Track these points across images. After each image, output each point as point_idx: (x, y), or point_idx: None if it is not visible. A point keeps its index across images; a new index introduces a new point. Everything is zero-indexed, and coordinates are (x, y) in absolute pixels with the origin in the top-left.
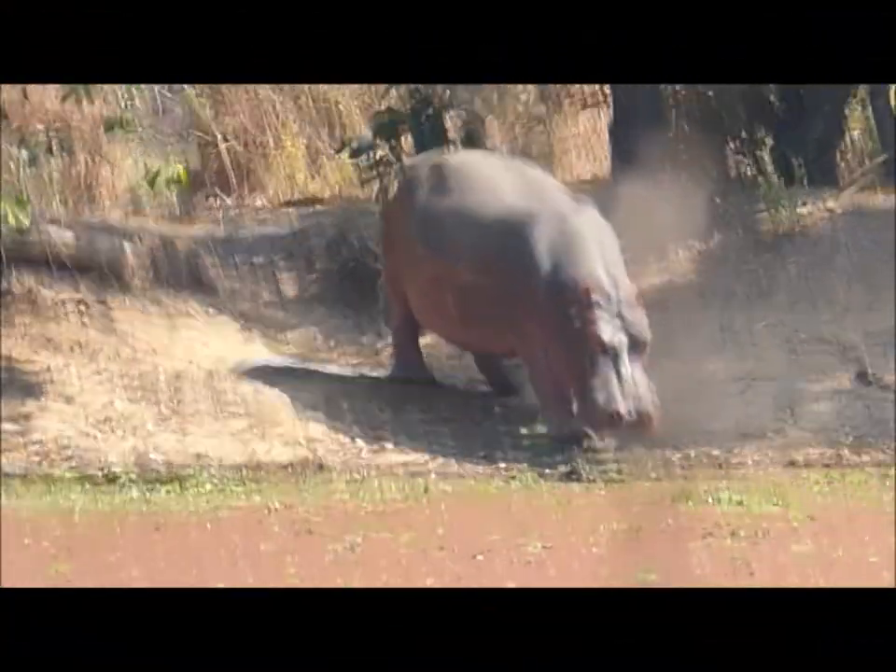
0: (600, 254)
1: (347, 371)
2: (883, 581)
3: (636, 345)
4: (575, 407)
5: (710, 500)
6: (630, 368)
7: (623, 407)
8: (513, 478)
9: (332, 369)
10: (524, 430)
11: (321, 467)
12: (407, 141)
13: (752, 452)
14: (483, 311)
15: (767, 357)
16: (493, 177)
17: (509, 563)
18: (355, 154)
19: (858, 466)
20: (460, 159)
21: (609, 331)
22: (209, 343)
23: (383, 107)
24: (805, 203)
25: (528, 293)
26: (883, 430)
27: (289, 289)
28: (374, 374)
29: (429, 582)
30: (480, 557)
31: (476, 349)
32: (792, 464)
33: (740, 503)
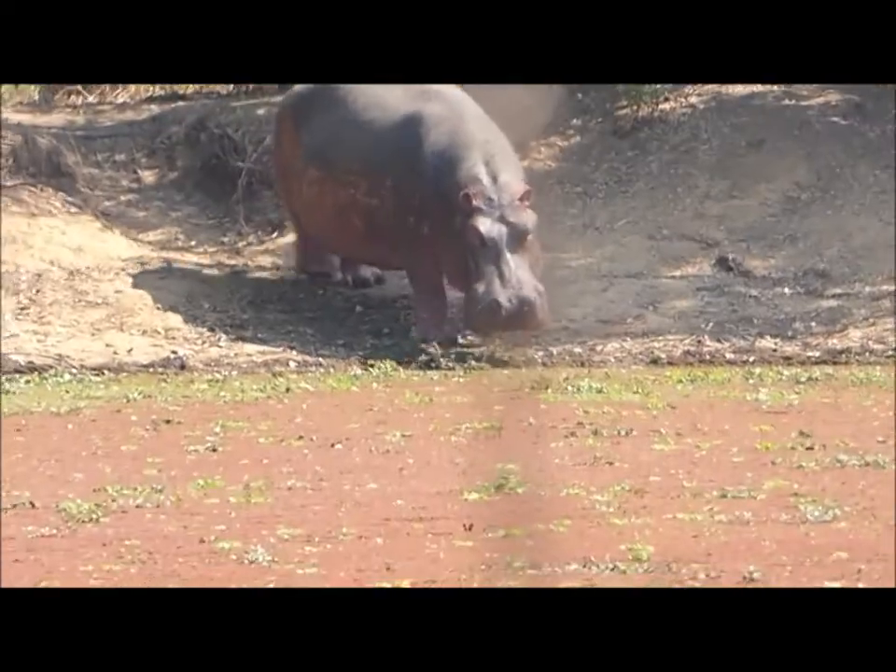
0: (483, 156)
1: (208, 268)
2: (745, 480)
3: (516, 238)
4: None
5: (570, 389)
6: (512, 260)
7: (503, 297)
8: (372, 366)
9: (193, 265)
10: (385, 329)
11: (183, 366)
12: None
13: (615, 350)
14: (385, 223)
15: (629, 251)
16: (377, 88)
17: (367, 451)
18: None
19: (718, 353)
20: None
21: (487, 225)
22: (70, 238)
23: None
24: (666, 98)
25: (418, 198)
26: (742, 318)
27: (150, 186)
28: (233, 270)
29: (291, 483)
30: (339, 446)
31: (378, 264)
32: (655, 362)
33: (600, 391)
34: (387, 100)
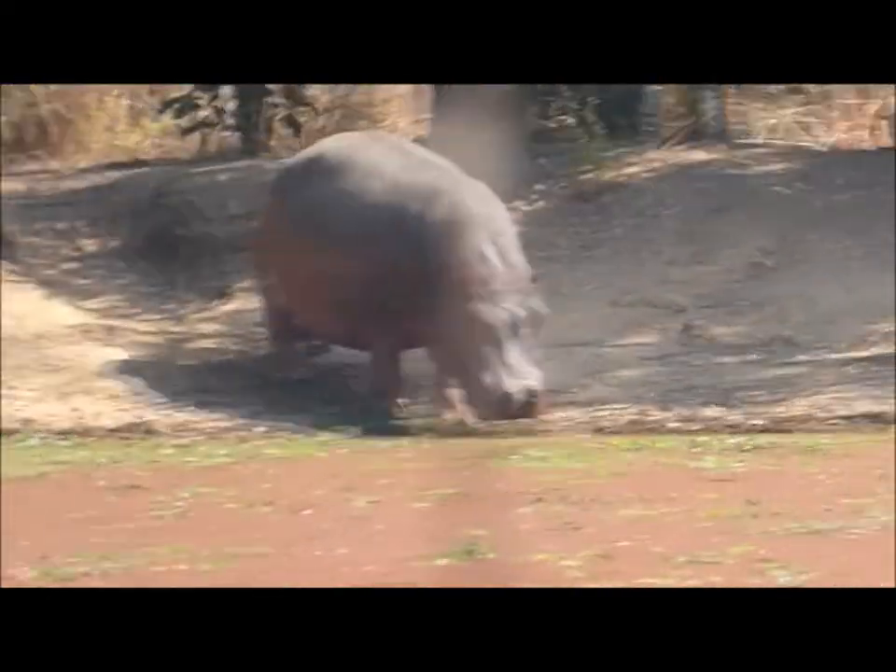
0: (489, 234)
1: (153, 336)
2: (712, 546)
3: (527, 325)
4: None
5: (515, 456)
6: (516, 349)
7: (512, 387)
8: (339, 430)
9: (136, 333)
10: (342, 395)
11: (148, 431)
12: (229, 101)
13: (560, 418)
14: (363, 296)
15: (590, 318)
16: (375, 159)
17: (335, 518)
18: (178, 114)
19: (663, 422)
20: (338, 145)
21: (491, 313)
22: (12, 307)
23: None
24: (630, 164)
25: (414, 275)
26: (687, 386)
27: (94, 254)
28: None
29: (260, 549)
30: (306, 512)
31: (343, 342)
32: (600, 430)
33: (543, 460)
34: (385, 169)
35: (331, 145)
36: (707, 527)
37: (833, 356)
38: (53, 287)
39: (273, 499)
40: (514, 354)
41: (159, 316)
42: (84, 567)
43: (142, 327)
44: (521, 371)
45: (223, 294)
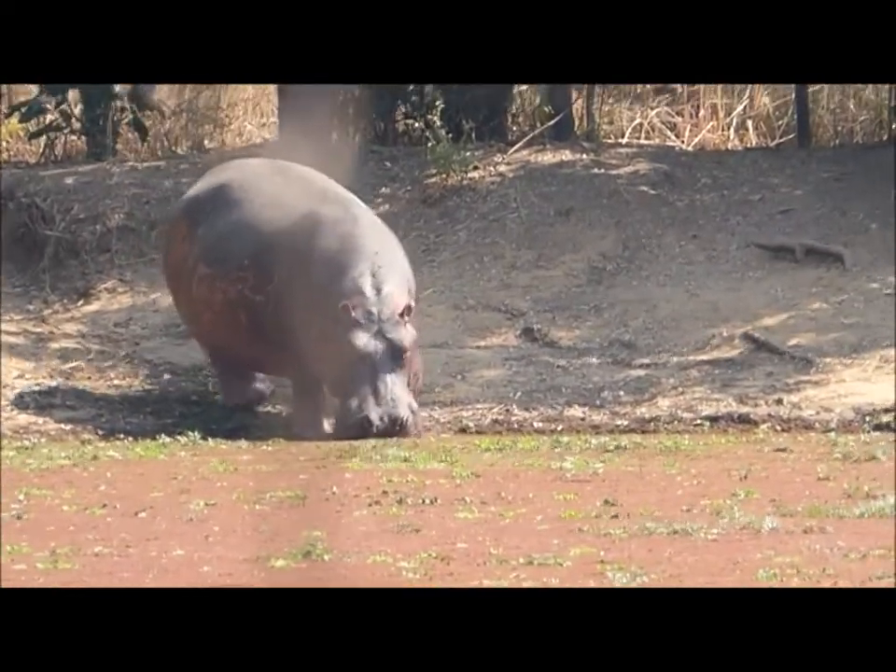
0: (371, 267)
1: (14, 336)
2: (552, 548)
3: (393, 356)
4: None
5: (377, 457)
6: (387, 377)
7: (374, 414)
8: (181, 433)
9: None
10: (193, 396)
11: None
12: (77, 103)
13: (423, 418)
14: (272, 325)
15: (435, 323)
16: (277, 189)
17: (172, 519)
18: (25, 118)
19: (527, 422)
20: (242, 175)
21: (364, 340)
22: None
23: None
24: (476, 167)
25: (305, 300)
26: (550, 387)
27: None
28: (39, 338)
29: (98, 550)
30: (143, 514)
31: (260, 366)
32: (464, 430)
33: (406, 460)
34: (285, 200)
35: (234, 175)
36: (550, 529)
37: (675, 359)
38: None
39: (110, 501)
40: (385, 380)
41: (20, 316)
42: None
43: (4, 326)
44: (388, 399)
45: (86, 294)
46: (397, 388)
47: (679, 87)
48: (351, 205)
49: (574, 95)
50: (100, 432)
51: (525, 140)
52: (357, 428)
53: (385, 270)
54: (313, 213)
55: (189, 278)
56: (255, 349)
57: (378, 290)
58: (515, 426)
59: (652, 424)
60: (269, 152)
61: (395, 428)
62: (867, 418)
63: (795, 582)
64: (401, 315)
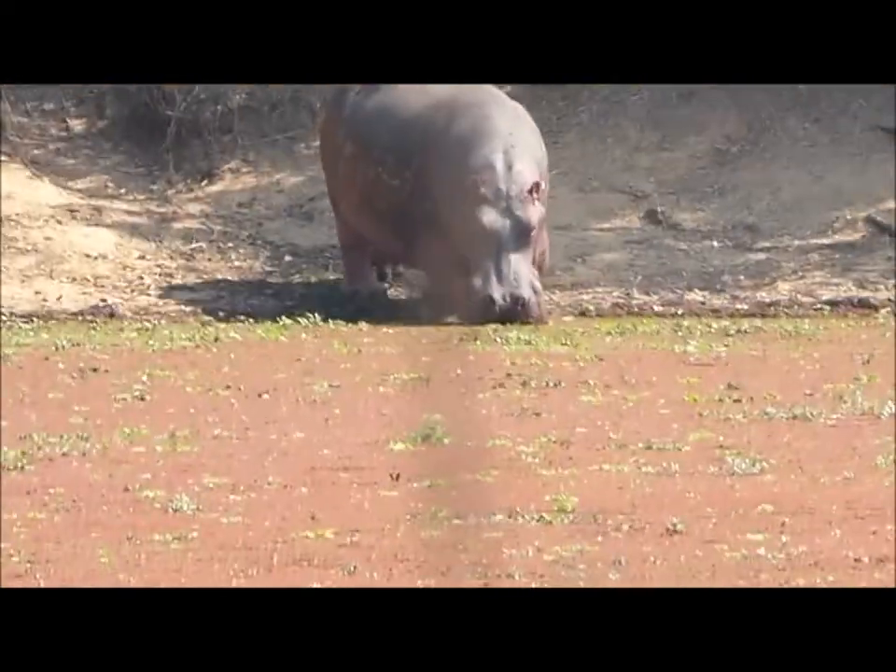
0: (503, 145)
1: (137, 216)
2: (671, 433)
3: (520, 234)
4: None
5: (499, 340)
6: (511, 256)
7: (497, 293)
8: (302, 315)
9: (122, 212)
10: (313, 278)
11: (112, 315)
12: None
13: (544, 301)
14: (406, 213)
15: (559, 204)
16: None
17: (294, 401)
18: None
19: (647, 306)
20: None
21: (491, 217)
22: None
23: None
24: None
25: (439, 183)
26: (671, 270)
27: (79, 134)
28: (163, 218)
29: (217, 432)
30: (266, 396)
31: (397, 260)
32: (584, 314)
33: (528, 343)
34: (428, 87)
35: None
36: (671, 413)
37: (797, 242)
38: (40, 166)
39: (234, 382)
40: (509, 259)
41: (143, 196)
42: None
43: (128, 206)
44: (511, 278)
45: (210, 175)
46: (521, 267)
47: None
48: (490, 92)
49: None
50: (221, 314)
51: None
52: (480, 306)
53: (518, 149)
54: (452, 97)
55: (336, 157)
56: (388, 237)
57: (509, 167)
58: (636, 309)
59: (772, 308)
60: None
61: (517, 308)
62: None
63: None
64: (530, 192)
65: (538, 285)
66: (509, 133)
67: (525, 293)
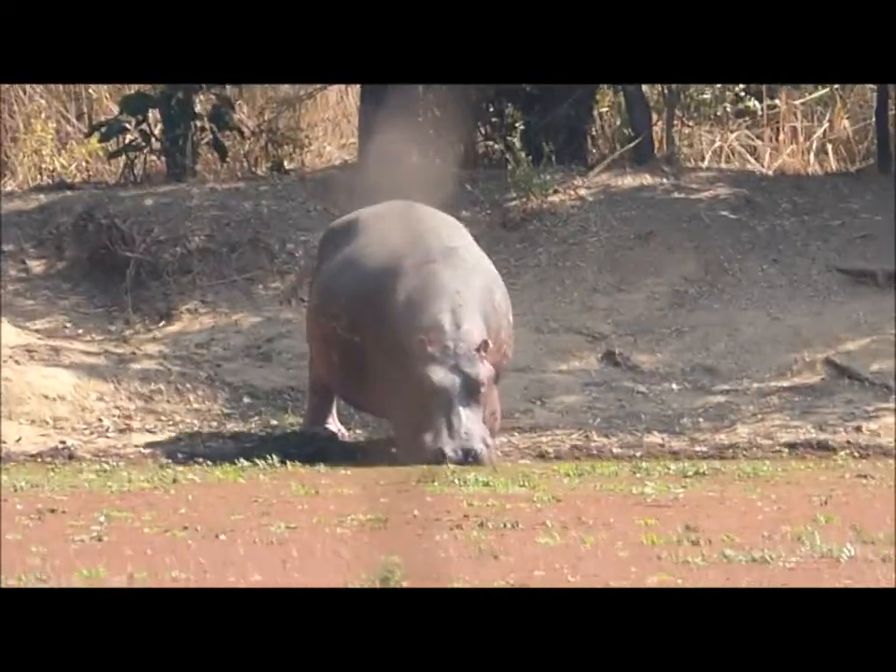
0: (451, 304)
1: (96, 356)
2: (630, 576)
3: (470, 391)
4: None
5: (457, 482)
6: (462, 412)
7: (449, 447)
8: (260, 457)
9: (81, 352)
10: (272, 420)
11: (71, 457)
12: (157, 123)
13: (502, 444)
14: (362, 365)
15: (517, 347)
16: (386, 228)
17: (251, 543)
18: (105, 138)
19: (606, 448)
20: (371, 212)
21: (440, 376)
22: None
23: (132, 90)
24: (556, 190)
25: (387, 342)
26: (629, 413)
27: (38, 276)
28: (121, 359)
29: (175, 574)
30: (223, 537)
31: (365, 409)
32: (542, 456)
33: (486, 484)
34: (388, 240)
35: (367, 212)
36: (629, 556)
37: (756, 385)
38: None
39: (191, 524)
40: (459, 414)
41: (102, 337)
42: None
43: (86, 347)
44: (462, 433)
45: (168, 315)
46: (471, 422)
47: (759, 110)
48: (445, 243)
49: (654, 118)
50: (180, 455)
51: (605, 163)
52: (431, 460)
53: (466, 308)
54: (402, 254)
55: (308, 308)
56: (346, 387)
57: (457, 326)
58: (595, 452)
59: (731, 450)
60: (347, 174)
61: (468, 461)
62: None
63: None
64: (478, 350)
65: (489, 439)
66: (456, 291)
67: (477, 446)
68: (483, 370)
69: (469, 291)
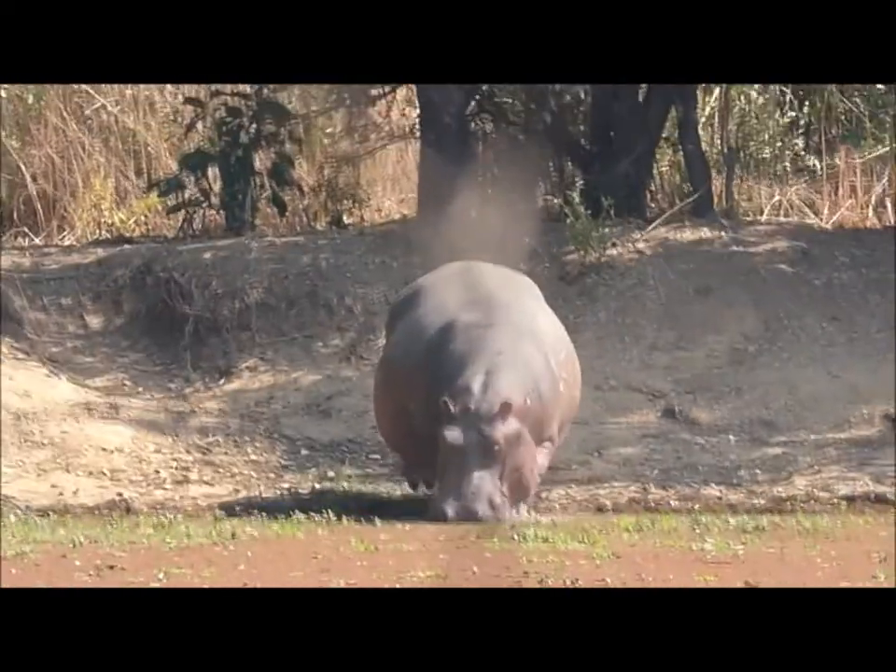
0: (487, 366)
1: (154, 413)
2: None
3: (484, 451)
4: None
5: (516, 537)
6: (474, 472)
7: (450, 508)
8: (316, 510)
9: (139, 408)
10: (331, 472)
11: (128, 509)
12: (216, 180)
13: (560, 496)
14: (420, 429)
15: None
16: (444, 295)
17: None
18: (164, 193)
19: (664, 501)
20: (434, 278)
21: (454, 434)
22: (17, 384)
23: (191, 147)
24: (614, 244)
25: (433, 406)
26: (686, 465)
27: (97, 331)
28: (180, 414)
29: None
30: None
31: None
32: (600, 509)
33: (546, 540)
34: (447, 305)
35: (426, 280)
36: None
37: (812, 437)
38: (58, 364)
39: (250, 581)
40: (469, 474)
41: (161, 395)
42: None
43: (144, 404)
44: (469, 494)
45: (227, 373)
46: (482, 482)
47: (817, 166)
48: (496, 306)
49: (713, 173)
50: (237, 507)
51: (663, 217)
52: (433, 517)
53: (503, 369)
54: (453, 321)
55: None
56: (418, 455)
57: (485, 388)
58: (652, 504)
59: (789, 503)
60: (406, 230)
61: (469, 521)
62: None
63: None
64: (500, 411)
65: (497, 499)
66: (498, 352)
67: (480, 509)
68: (500, 429)
69: (510, 354)
